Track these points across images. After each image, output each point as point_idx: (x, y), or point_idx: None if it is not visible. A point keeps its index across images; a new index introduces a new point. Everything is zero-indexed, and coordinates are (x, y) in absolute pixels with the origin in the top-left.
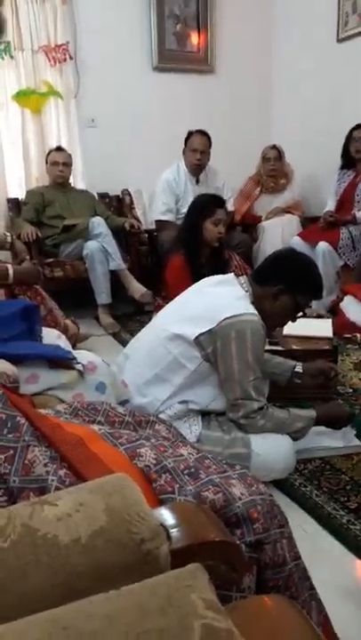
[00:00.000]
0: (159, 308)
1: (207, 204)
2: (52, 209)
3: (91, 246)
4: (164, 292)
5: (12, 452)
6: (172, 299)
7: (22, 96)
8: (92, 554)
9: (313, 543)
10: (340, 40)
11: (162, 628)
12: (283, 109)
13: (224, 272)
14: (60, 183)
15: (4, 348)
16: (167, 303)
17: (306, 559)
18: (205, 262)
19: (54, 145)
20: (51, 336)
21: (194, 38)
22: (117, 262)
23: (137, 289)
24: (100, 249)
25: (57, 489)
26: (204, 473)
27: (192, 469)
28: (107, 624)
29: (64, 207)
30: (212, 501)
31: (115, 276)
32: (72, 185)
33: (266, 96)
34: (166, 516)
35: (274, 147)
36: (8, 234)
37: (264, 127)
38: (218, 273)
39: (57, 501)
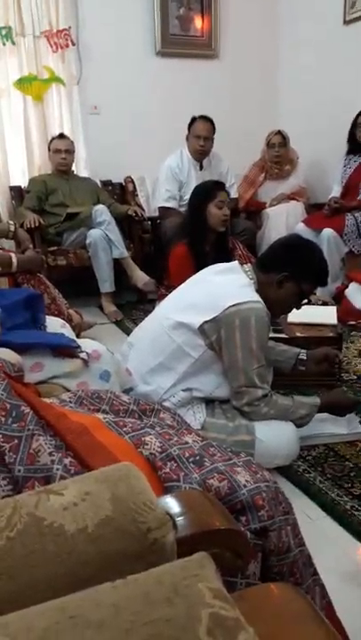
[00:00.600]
0: (163, 296)
1: (208, 189)
2: (54, 197)
3: (94, 234)
4: (166, 280)
5: (16, 441)
6: (174, 287)
7: (24, 83)
8: (98, 543)
9: (317, 529)
10: (346, 22)
11: (169, 617)
12: (288, 94)
13: (228, 260)
14: (63, 171)
15: (8, 337)
16: (170, 292)
17: (309, 545)
18: (209, 250)
19: (57, 132)
20: (55, 325)
21: (198, 22)
22: (120, 250)
23: (140, 277)
24: (104, 237)
25: (62, 478)
26: (208, 461)
27: (197, 457)
28: (113, 613)
29: (67, 195)
30: (217, 489)
31: (118, 265)
32: (75, 172)
33: (271, 81)
34: (172, 504)
35: (278, 132)
36: (12, 222)
37: (269, 113)
38: (222, 261)
39: (63, 490)
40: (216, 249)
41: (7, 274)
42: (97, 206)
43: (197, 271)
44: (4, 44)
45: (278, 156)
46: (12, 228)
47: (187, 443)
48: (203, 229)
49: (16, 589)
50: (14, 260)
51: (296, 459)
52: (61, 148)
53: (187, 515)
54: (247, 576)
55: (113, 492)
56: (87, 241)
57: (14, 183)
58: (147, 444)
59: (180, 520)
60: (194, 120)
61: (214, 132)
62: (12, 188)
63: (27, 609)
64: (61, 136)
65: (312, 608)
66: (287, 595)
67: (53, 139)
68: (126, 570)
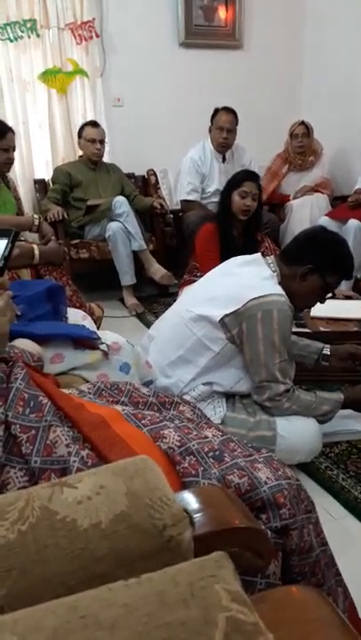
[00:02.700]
0: (185, 283)
1: (238, 178)
2: (79, 190)
3: (113, 227)
4: (192, 260)
5: (33, 431)
6: (199, 276)
7: (48, 75)
8: (112, 539)
9: (339, 528)
10: None
11: (184, 620)
12: (312, 85)
13: (254, 251)
14: (94, 161)
15: (29, 328)
16: (194, 277)
17: (332, 544)
18: (237, 236)
19: (80, 124)
20: (76, 316)
21: (222, 12)
22: (139, 243)
23: (157, 270)
24: (122, 229)
25: (79, 470)
26: (229, 456)
27: (217, 452)
28: (125, 614)
29: (91, 187)
30: (237, 485)
31: (139, 257)
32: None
33: (295, 72)
34: (190, 500)
35: (302, 123)
36: (36, 216)
37: (293, 103)
38: (248, 250)
39: (77, 484)
40: (244, 236)
41: (29, 265)
42: (117, 198)
43: (223, 251)
44: (28, 37)
45: (302, 146)
46: (37, 222)
47: (206, 437)
48: (228, 215)
49: (27, 585)
50: (36, 251)
51: (318, 455)
52: (96, 138)
53: (205, 512)
54: (267, 576)
55: (129, 486)
56: (107, 234)
57: (38, 176)
58: (165, 438)
59: (197, 517)
60: (217, 111)
61: (237, 124)
62: (37, 181)
63: (37, 606)
64: (94, 124)
65: (335, 613)
66: (309, 598)
67: (85, 125)
68: (140, 568)
